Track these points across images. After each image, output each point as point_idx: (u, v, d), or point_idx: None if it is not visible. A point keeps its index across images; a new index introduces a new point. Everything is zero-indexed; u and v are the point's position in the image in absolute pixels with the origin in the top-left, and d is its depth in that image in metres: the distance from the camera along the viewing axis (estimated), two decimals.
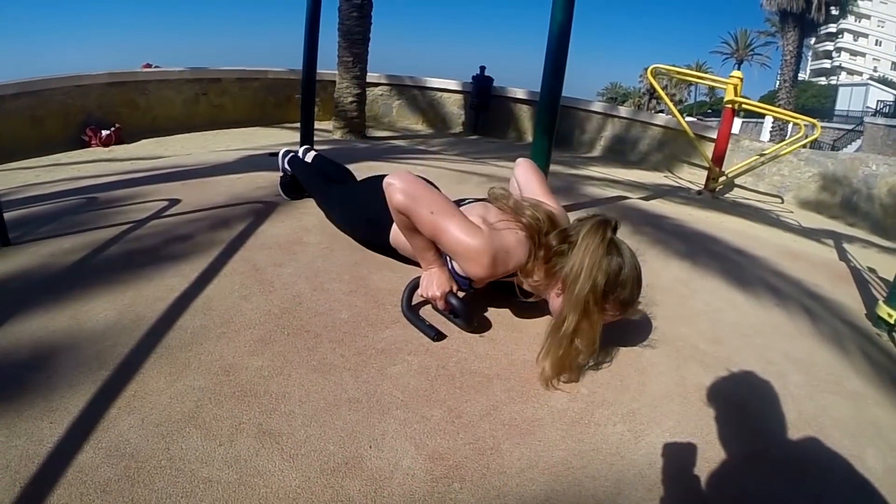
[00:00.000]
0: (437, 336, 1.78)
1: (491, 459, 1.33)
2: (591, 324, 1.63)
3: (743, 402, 1.71)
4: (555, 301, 1.75)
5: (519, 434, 1.42)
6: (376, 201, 2.07)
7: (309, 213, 2.75)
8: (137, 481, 1.17)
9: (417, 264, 2.01)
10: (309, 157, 3.03)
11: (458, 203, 1.93)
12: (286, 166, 2.93)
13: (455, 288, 1.85)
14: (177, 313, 1.79)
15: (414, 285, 1.90)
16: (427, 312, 1.92)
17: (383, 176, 1.93)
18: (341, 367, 1.60)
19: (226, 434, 1.31)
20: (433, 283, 1.83)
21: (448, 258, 1.87)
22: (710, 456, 1.45)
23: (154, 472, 1.19)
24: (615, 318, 1.74)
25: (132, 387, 1.44)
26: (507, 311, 2.02)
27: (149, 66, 9.84)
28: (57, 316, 1.74)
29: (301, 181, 2.89)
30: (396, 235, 2.10)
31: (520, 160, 2.20)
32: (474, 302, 2.00)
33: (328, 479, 1.22)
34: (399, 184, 1.77)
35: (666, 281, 2.46)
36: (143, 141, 7.31)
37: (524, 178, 2.09)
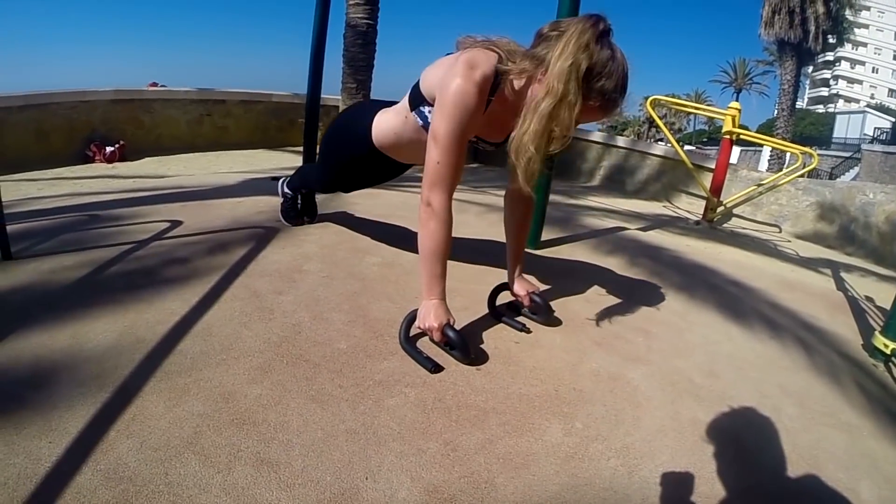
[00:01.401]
0: (435, 368, 1.78)
1: (486, 493, 1.34)
2: (570, 107, 1.64)
3: (737, 436, 1.72)
4: (537, 87, 1.74)
5: (513, 468, 1.43)
6: (348, 118, 2.26)
7: (309, 240, 2.77)
8: None
9: (406, 167, 2.27)
10: None
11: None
12: (286, 190, 2.95)
13: (453, 321, 1.86)
14: (177, 338, 1.80)
15: (412, 317, 1.91)
16: (425, 344, 1.93)
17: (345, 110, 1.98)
18: (339, 397, 1.60)
19: (224, 461, 1.31)
20: (430, 315, 1.83)
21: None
22: (704, 491, 1.45)
23: (152, 496, 1.19)
24: (594, 115, 1.76)
25: (131, 410, 1.45)
26: (504, 345, 2.02)
27: (155, 85, 9.89)
28: (57, 334, 1.75)
29: (300, 182, 2.94)
30: (378, 132, 2.20)
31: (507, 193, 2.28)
32: (471, 335, 2.01)
33: None
34: (427, 198, 1.82)
35: (663, 314, 2.48)
36: (147, 159, 7.33)
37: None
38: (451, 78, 1.75)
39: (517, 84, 1.81)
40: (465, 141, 1.83)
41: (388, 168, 2.42)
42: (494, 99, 1.84)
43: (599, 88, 1.67)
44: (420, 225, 1.84)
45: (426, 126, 1.96)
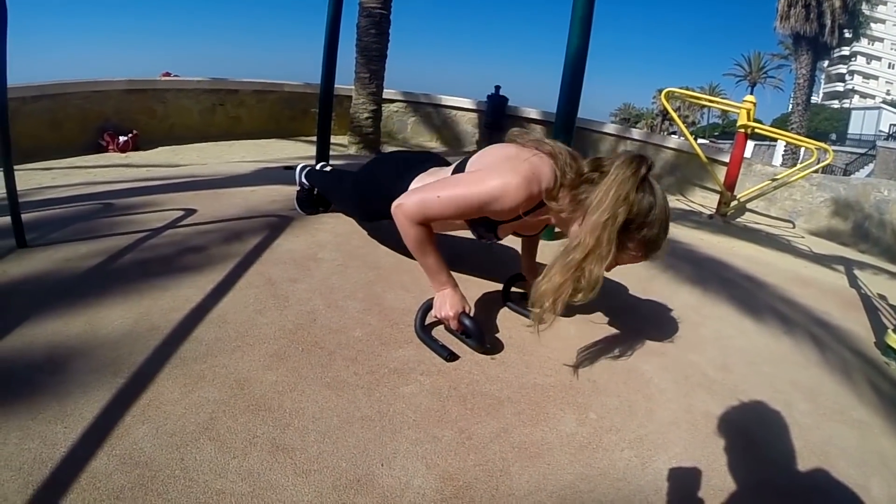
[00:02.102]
0: (450, 356, 1.79)
1: (500, 481, 1.34)
2: (601, 258, 1.59)
3: (749, 431, 1.72)
4: (575, 230, 1.72)
5: (528, 457, 1.44)
6: (391, 173, 2.15)
7: (324, 228, 2.78)
8: (151, 490, 1.18)
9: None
10: (327, 170, 3.07)
11: (471, 154, 1.95)
12: (304, 180, 2.95)
13: (468, 309, 1.86)
14: (192, 325, 1.81)
15: (427, 306, 1.92)
16: (440, 333, 1.94)
17: (392, 154, 1.93)
18: (354, 384, 1.61)
19: (240, 447, 1.32)
20: (446, 303, 1.84)
21: (481, 227, 1.88)
22: (716, 484, 1.46)
23: (168, 481, 1.21)
24: (635, 260, 1.73)
25: (147, 396, 1.46)
26: (519, 334, 2.03)
27: (168, 74, 9.92)
28: (72, 321, 1.76)
29: (318, 187, 2.92)
30: None
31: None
32: (486, 323, 2.02)
33: (340, 496, 1.23)
34: (400, 200, 1.78)
35: (677, 308, 2.47)
36: (160, 148, 7.36)
37: None
38: (509, 171, 1.70)
39: (557, 214, 1.78)
40: (467, 214, 1.79)
41: None
42: (530, 215, 1.80)
43: (640, 238, 1.65)
44: (400, 230, 1.83)
45: (481, 230, 1.94)
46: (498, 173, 1.71)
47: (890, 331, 2.43)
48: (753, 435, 1.70)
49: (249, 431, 1.38)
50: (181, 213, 2.85)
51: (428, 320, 1.94)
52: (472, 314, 1.87)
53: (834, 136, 37.36)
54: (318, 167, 3.09)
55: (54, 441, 1.27)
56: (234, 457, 1.30)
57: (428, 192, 1.77)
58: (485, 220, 1.85)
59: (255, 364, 1.64)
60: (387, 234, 2.75)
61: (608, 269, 1.66)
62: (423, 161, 2.25)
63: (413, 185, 2.07)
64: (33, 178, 5.24)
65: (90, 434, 1.31)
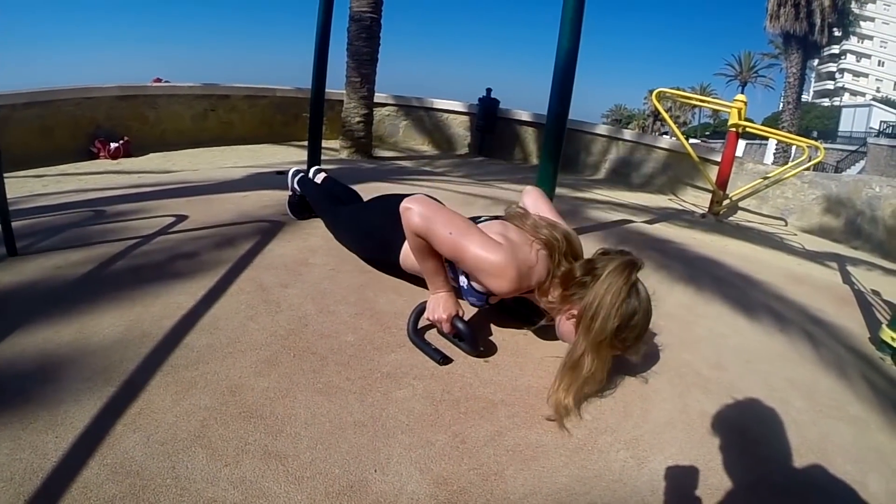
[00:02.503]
0: (443, 360, 1.78)
1: (495, 485, 1.33)
2: (602, 361, 1.66)
3: (746, 429, 1.71)
4: (564, 324, 1.77)
5: (522, 460, 1.43)
6: (386, 221, 2.10)
7: (315, 233, 2.76)
8: (143, 499, 1.17)
9: (425, 283, 2.03)
10: (319, 178, 3.05)
11: (475, 220, 1.94)
12: (296, 186, 2.94)
13: (462, 312, 1.85)
14: (183, 331, 1.80)
15: (420, 309, 1.91)
16: (433, 336, 1.93)
17: (393, 196, 1.93)
18: (347, 390, 1.60)
19: (231, 454, 1.31)
20: (439, 306, 1.83)
21: (462, 276, 1.88)
22: (713, 483, 1.45)
23: (159, 490, 1.19)
24: (615, 354, 1.75)
25: (138, 404, 1.45)
26: (512, 337, 2.02)
27: (159, 80, 9.89)
28: (63, 329, 1.75)
29: (310, 201, 2.90)
30: (406, 255, 2.12)
31: (527, 188, 2.22)
32: (479, 327, 2.01)
33: (333, 502, 1.22)
34: (416, 207, 1.78)
35: (670, 307, 2.46)
36: (152, 154, 7.33)
37: (532, 206, 2.09)
38: (510, 257, 1.72)
39: (545, 303, 1.83)
40: (456, 262, 1.83)
41: (395, 271, 2.34)
42: (518, 295, 1.86)
43: (623, 339, 1.67)
44: (405, 230, 1.83)
45: (459, 288, 1.94)
46: (500, 252, 1.73)
47: (884, 326, 2.43)
48: (750, 433, 1.70)
49: (241, 438, 1.37)
50: (173, 219, 2.84)
51: (421, 324, 1.93)
52: (464, 317, 1.86)
53: (815, 133, 37.45)
54: (310, 173, 3.08)
55: (45, 451, 1.26)
56: (226, 464, 1.28)
57: (440, 221, 1.77)
58: (477, 288, 1.86)
59: (247, 370, 1.63)
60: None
61: None
62: None
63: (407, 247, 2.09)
64: (25, 185, 5.22)
65: (81, 443, 1.30)
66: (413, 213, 1.77)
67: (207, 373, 1.60)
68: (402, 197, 2.11)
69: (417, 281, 2.15)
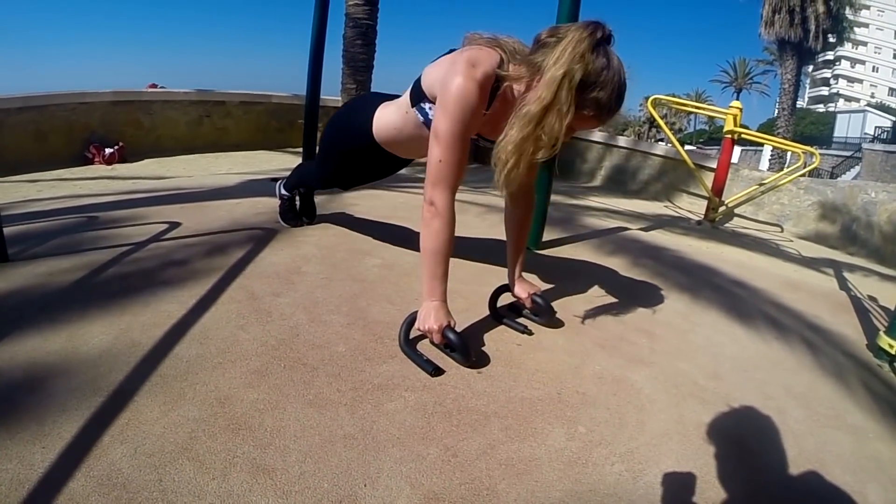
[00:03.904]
0: (435, 371, 1.76)
1: (487, 500, 1.31)
2: (560, 113, 1.64)
3: (743, 439, 1.69)
4: (531, 92, 1.73)
5: (515, 474, 1.40)
6: (347, 116, 2.25)
7: (308, 241, 2.75)
8: None
9: (407, 162, 2.27)
10: None
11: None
12: (282, 191, 2.93)
13: (453, 322, 1.83)
14: (173, 341, 1.77)
15: (412, 319, 1.89)
16: (426, 346, 1.91)
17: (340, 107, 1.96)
18: (337, 402, 1.58)
19: (219, 468, 1.29)
20: (430, 317, 1.81)
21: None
22: (710, 496, 1.43)
23: (145, 503, 1.17)
24: (589, 124, 1.75)
25: (126, 415, 1.42)
26: (505, 347, 2.00)
27: (154, 86, 9.87)
28: (52, 337, 1.73)
29: (295, 181, 2.93)
30: (380, 128, 2.18)
31: None
32: (472, 337, 1.99)
33: None
34: (430, 197, 1.82)
35: (666, 315, 2.45)
36: (146, 160, 7.30)
37: None
38: (452, 76, 1.73)
39: (517, 88, 1.80)
40: (467, 139, 1.81)
41: (387, 162, 2.39)
42: (496, 98, 1.83)
43: (593, 99, 1.66)
44: (423, 224, 1.82)
45: (427, 122, 1.95)
46: (448, 87, 1.73)
47: (882, 332, 2.42)
48: (747, 443, 1.67)
49: (229, 451, 1.34)
50: (165, 226, 2.83)
51: (412, 333, 1.91)
52: (456, 327, 1.84)
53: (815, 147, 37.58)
54: None
55: (32, 462, 1.24)
56: (214, 478, 1.26)
57: (434, 171, 1.80)
58: None
59: (237, 382, 1.61)
60: (376, 237, 2.74)
61: (566, 137, 1.70)
62: (372, 98, 2.35)
63: (377, 113, 2.17)
64: (18, 190, 5.20)
65: (68, 454, 1.28)
66: (437, 199, 1.82)
67: (196, 384, 1.58)
68: (349, 104, 2.19)
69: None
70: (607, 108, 1.70)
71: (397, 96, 2.17)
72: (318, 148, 2.77)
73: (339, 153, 2.47)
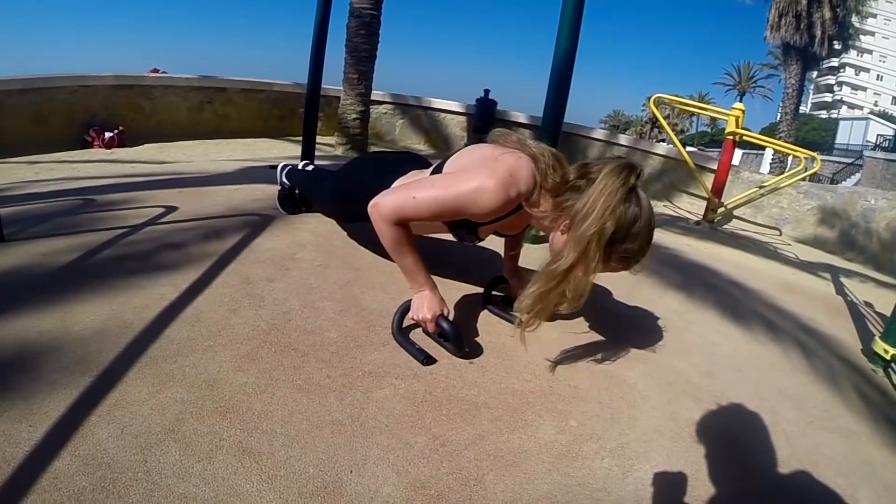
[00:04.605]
0: (427, 360, 1.75)
1: (474, 490, 1.30)
2: (587, 269, 1.58)
3: (735, 439, 1.69)
4: (558, 238, 1.70)
5: (504, 465, 1.39)
6: (365, 175, 2.11)
7: (305, 228, 2.73)
8: (112, 493, 1.14)
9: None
10: (308, 169, 3.03)
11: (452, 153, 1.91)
12: (284, 180, 2.92)
13: (447, 311, 1.82)
14: (164, 323, 1.76)
15: (405, 307, 1.88)
16: (419, 336, 1.90)
17: (371, 156, 1.90)
18: (327, 387, 1.57)
19: (205, 450, 1.28)
20: (423, 305, 1.80)
21: (448, 223, 1.85)
22: (700, 494, 1.42)
23: (129, 484, 1.16)
24: (614, 270, 1.70)
25: (114, 395, 1.41)
26: (499, 338, 1.99)
27: (156, 71, 9.85)
28: (45, 317, 1.72)
29: (297, 185, 2.88)
30: None
31: None
32: (466, 327, 1.98)
33: (306, 503, 1.19)
34: (377, 199, 1.75)
35: (661, 312, 2.44)
36: (146, 145, 7.27)
37: None
38: (485, 173, 1.66)
39: (537, 218, 1.76)
40: (443, 216, 1.77)
41: None
42: (512, 216, 1.79)
43: (623, 250, 1.61)
44: (375, 227, 1.79)
45: (460, 234, 1.91)
46: (474, 176, 1.67)
47: (877, 338, 2.42)
48: (739, 443, 1.67)
49: (216, 434, 1.33)
50: (162, 209, 2.82)
51: (405, 322, 1.90)
52: (450, 317, 1.83)
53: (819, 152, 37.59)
54: (299, 166, 3.05)
55: (18, 440, 1.23)
56: (199, 460, 1.25)
57: (404, 193, 1.73)
58: (464, 222, 1.81)
59: (226, 365, 1.60)
60: (369, 233, 2.72)
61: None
62: (403, 162, 2.22)
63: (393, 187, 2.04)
64: (17, 172, 5.18)
65: (55, 433, 1.27)
66: (377, 207, 1.74)
67: (186, 366, 1.57)
68: (382, 157, 2.10)
69: (404, 286, 2.12)
70: (636, 257, 1.66)
71: (411, 157, 2.12)
72: (324, 178, 2.71)
73: (343, 211, 2.45)
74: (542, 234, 1.85)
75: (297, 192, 2.94)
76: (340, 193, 2.39)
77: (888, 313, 2.47)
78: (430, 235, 2.09)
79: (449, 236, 1.98)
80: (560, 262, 1.58)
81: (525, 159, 1.73)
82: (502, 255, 2.26)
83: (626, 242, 1.59)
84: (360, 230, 2.66)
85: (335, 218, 2.75)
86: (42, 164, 5.75)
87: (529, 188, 1.70)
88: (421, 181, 1.78)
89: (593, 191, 1.57)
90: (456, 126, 10.04)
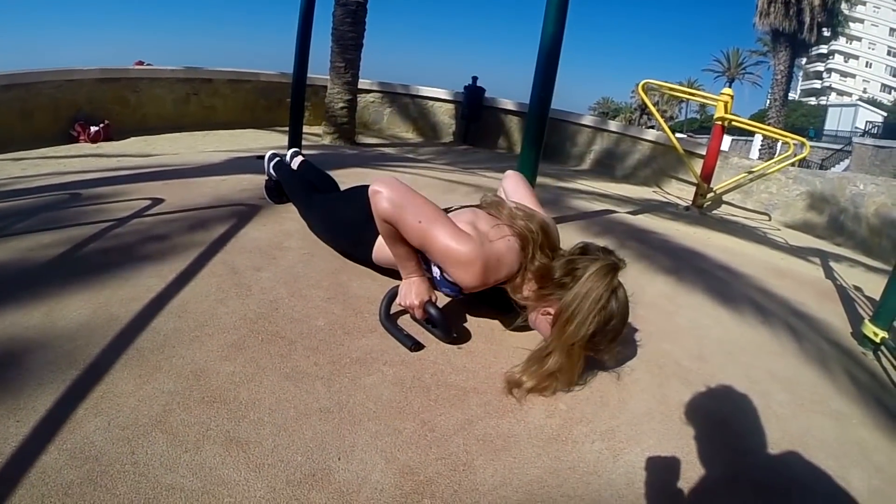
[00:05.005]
0: (415, 346, 1.74)
1: (463, 476, 1.30)
2: (573, 363, 1.63)
3: (726, 422, 1.69)
4: (540, 320, 1.73)
5: (493, 450, 1.39)
6: (360, 216, 2.04)
7: (292, 217, 2.72)
8: (100, 485, 1.13)
9: (399, 274, 1.99)
10: (295, 164, 2.99)
11: (446, 210, 1.89)
12: (271, 171, 2.89)
13: (434, 297, 1.81)
14: (151, 315, 1.75)
15: (393, 294, 1.87)
16: (406, 322, 1.89)
17: (367, 187, 1.88)
18: (314, 375, 1.56)
19: (192, 440, 1.27)
20: (412, 291, 1.80)
21: (435, 267, 1.83)
22: (691, 476, 1.42)
23: (117, 476, 1.16)
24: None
25: (101, 388, 1.41)
26: (486, 323, 1.99)
27: (141, 63, 9.79)
28: (31, 312, 1.71)
29: (284, 187, 2.84)
30: (379, 251, 2.07)
31: (509, 172, 2.18)
32: (453, 312, 1.97)
33: (294, 491, 1.18)
34: (385, 191, 1.72)
35: (651, 296, 2.44)
36: (132, 139, 7.25)
37: (513, 190, 2.05)
38: (478, 251, 1.67)
39: (519, 300, 1.79)
40: (424, 251, 1.78)
41: (368, 265, 2.29)
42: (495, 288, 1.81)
43: (595, 342, 1.63)
44: (374, 211, 1.78)
45: (427, 269, 1.89)
46: (471, 244, 1.67)
47: (867, 320, 2.42)
48: (730, 426, 1.67)
49: (203, 424, 1.33)
50: (148, 202, 2.79)
51: (393, 309, 1.89)
52: (437, 303, 1.82)
53: (812, 132, 37.73)
54: (287, 156, 3.02)
55: (6, 435, 1.23)
56: (186, 450, 1.25)
57: (409, 210, 1.71)
58: (449, 280, 1.80)
59: (213, 355, 1.59)
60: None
61: None
62: None
63: (380, 241, 2.04)
64: (3, 168, 5.17)
65: (42, 427, 1.26)
66: (382, 197, 1.72)
67: (173, 357, 1.56)
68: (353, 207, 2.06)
69: (393, 273, 2.11)
70: (605, 349, 1.69)
71: None
72: (310, 202, 2.65)
73: (331, 241, 2.42)
74: None
75: None
76: (332, 223, 2.38)
77: (877, 297, 2.48)
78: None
79: None
80: (550, 363, 1.61)
81: (514, 241, 1.75)
82: None
83: (604, 336, 1.63)
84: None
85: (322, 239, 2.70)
86: (28, 160, 5.73)
87: (511, 274, 1.75)
88: (432, 214, 1.74)
89: (579, 290, 1.60)
90: (444, 114, 10.03)
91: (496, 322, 2.00)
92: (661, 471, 1.43)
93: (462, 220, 1.79)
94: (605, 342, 1.65)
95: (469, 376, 1.67)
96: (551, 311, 1.67)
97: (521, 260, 1.74)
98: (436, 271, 1.84)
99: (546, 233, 1.77)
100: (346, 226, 2.24)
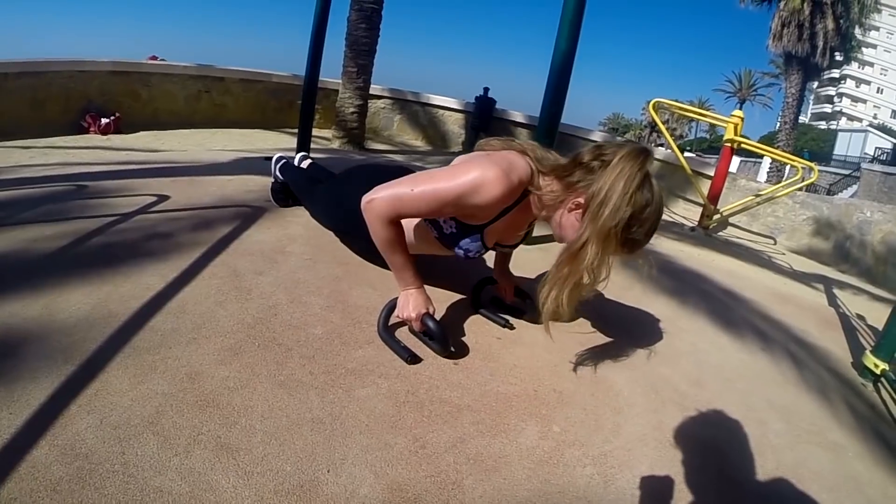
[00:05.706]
0: (412, 358, 1.73)
1: (452, 495, 1.29)
2: (606, 255, 1.58)
3: (721, 450, 1.67)
4: (566, 217, 1.68)
5: (483, 470, 1.38)
6: (359, 189, 2.04)
7: (296, 221, 2.71)
8: (88, 484, 1.13)
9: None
10: (304, 165, 3.00)
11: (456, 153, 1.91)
12: (278, 173, 2.89)
13: (433, 310, 1.81)
14: (149, 314, 1.75)
15: (392, 305, 1.86)
16: (405, 334, 1.88)
17: (367, 166, 1.87)
18: (308, 384, 1.55)
19: (183, 444, 1.27)
20: (409, 304, 1.79)
21: (450, 222, 1.82)
22: None
23: (106, 476, 1.15)
24: (619, 254, 1.67)
25: (95, 385, 1.40)
26: (485, 340, 1.98)
27: (155, 58, 9.81)
28: (30, 304, 1.70)
29: (290, 184, 2.84)
30: None
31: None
32: (452, 327, 1.97)
33: (281, 501, 1.18)
34: (373, 194, 1.72)
35: (651, 318, 2.43)
36: (142, 133, 7.27)
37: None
38: (484, 164, 1.65)
39: (543, 200, 1.75)
40: (443, 211, 1.75)
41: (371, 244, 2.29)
42: (515, 209, 1.77)
43: (632, 236, 1.60)
44: (368, 224, 1.77)
45: (441, 238, 1.88)
46: (474, 167, 1.65)
47: (868, 352, 2.41)
48: (725, 455, 1.66)
49: (195, 428, 1.32)
50: (154, 198, 2.79)
51: (392, 320, 1.88)
52: (436, 316, 1.81)
53: (806, 154, 37.64)
54: (295, 159, 3.02)
55: None
56: (176, 454, 1.24)
57: (401, 187, 1.70)
58: (469, 230, 1.79)
59: (209, 358, 1.58)
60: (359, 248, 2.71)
61: None
62: (399, 174, 2.20)
63: None
64: (11, 156, 5.17)
65: (34, 422, 1.26)
66: (376, 200, 1.71)
67: (169, 357, 1.55)
68: (376, 168, 2.05)
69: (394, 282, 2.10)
70: (641, 243, 1.65)
71: (404, 170, 2.11)
72: (313, 188, 2.65)
73: (333, 222, 2.43)
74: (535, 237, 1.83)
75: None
76: (332, 203, 2.37)
77: (880, 327, 2.47)
78: (427, 254, 2.06)
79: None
80: (588, 256, 1.56)
81: (514, 154, 1.75)
82: (492, 256, 2.24)
83: (636, 227, 1.58)
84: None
85: (325, 226, 2.71)
86: (37, 148, 5.74)
87: (528, 174, 1.71)
88: (419, 175, 1.75)
89: (610, 174, 1.55)
90: (454, 123, 10.03)
91: (495, 339, 1.99)
92: (653, 499, 1.42)
93: (458, 160, 1.81)
94: (641, 233, 1.60)
95: (464, 393, 1.65)
96: (580, 201, 1.62)
97: (529, 164, 1.72)
98: (451, 226, 1.82)
99: (542, 147, 1.79)
100: (345, 201, 2.21)
